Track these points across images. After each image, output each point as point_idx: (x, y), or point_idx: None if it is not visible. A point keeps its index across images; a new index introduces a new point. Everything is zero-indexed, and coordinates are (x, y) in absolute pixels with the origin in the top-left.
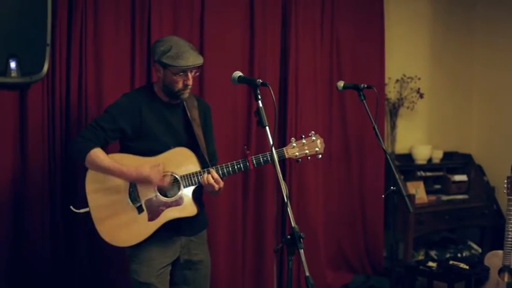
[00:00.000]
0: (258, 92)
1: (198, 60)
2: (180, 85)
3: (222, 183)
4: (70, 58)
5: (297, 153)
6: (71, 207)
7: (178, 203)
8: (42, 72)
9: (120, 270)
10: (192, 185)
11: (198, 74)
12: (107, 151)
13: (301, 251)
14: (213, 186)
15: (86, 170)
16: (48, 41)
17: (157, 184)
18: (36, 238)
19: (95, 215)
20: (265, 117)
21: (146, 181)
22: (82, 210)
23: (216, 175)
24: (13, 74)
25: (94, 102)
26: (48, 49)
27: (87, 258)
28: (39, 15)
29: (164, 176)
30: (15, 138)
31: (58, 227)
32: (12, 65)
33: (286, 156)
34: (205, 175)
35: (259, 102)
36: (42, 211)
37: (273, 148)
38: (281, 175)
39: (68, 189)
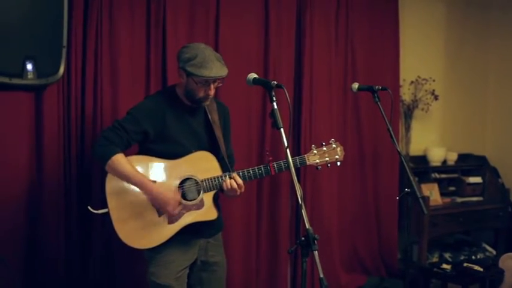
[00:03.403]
0: (273, 93)
1: (222, 72)
2: (202, 94)
3: (243, 188)
4: (85, 60)
5: (318, 161)
6: (89, 207)
7: (198, 206)
8: (58, 74)
9: (136, 272)
10: (213, 189)
11: (221, 84)
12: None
13: (316, 252)
14: (236, 191)
15: (103, 171)
16: (64, 43)
17: (167, 213)
18: (51, 239)
19: (114, 216)
20: (280, 119)
21: (160, 205)
22: (100, 211)
23: (240, 181)
24: (30, 76)
25: (109, 104)
26: (64, 51)
27: (103, 259)
28: (55, 18)
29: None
30: (31, 139)
31: (73, 229)
32: (29, 66)
33: (308, 163)
34: (228, 180)
35: (274, 104)
36: (58, 212)
37: (288, 150)
38: (296, 177)
39: (83, 191)
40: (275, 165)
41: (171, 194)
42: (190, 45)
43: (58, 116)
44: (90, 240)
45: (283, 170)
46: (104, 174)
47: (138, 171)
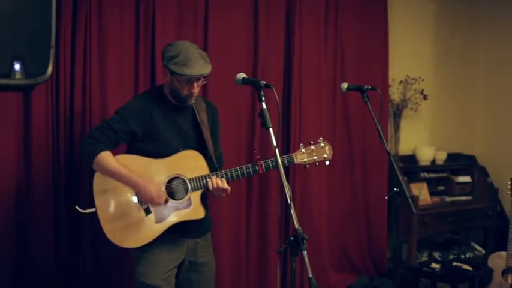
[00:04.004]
0: (262, 93)
1: (205, 70)
2: (186, 92)
3: (229, 190)
4: (74, 60)
5: (306, 159)
6: (77, 207)
7: (186, 205)
8: (46, 74)
9: (124, 271)
10: (200, 188)
11: (205, 82)
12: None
13: (305, 252)
14: (221, 192)
15: (91, 170)
16: (53, 43)
17: (154, 204)
18: (40, 239)
19: (101, 216)
20: (269, 118)
21: (147, 198)
22: (88, 211)
23: (226, 185)
24: (17, 76)
25: (98, 104)
26: (52, 51)
27: (91, 259)
28: (43, 18)
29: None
30: (19, 140)
31: (62, 228)
32: (17, 66)
33: (295, 162)
34: (214, 179)
35: (263, 103)
36: (46, 212)
37: (277, 149)
38: (284, 177)
39: (71, 190)
40: (263, 164)
41: (153, 186)
42: (175, 43)
43: (47, 116)
44: (79, 239)
45: (271, 168)
46: (92, 174)
47: (124, 168)
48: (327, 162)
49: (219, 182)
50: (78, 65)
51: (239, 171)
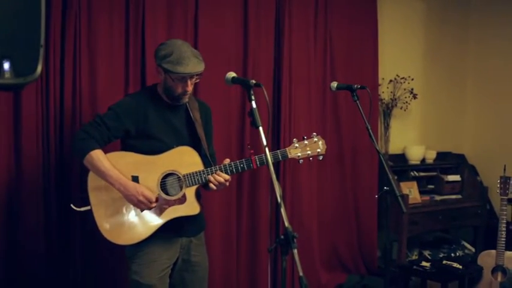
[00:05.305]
0: (252, 92)
1: (198, 68)
2: (179, 90)
3: (230, 178)
4: (64, 59)
5: (299, 154)
6: (72, 205)
7: (180, 201)
8: (35, 73)
9: (115, 270)
10: (195, 184)
11: (198, 80)
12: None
13: (295, 251)
14: (223, 185)
15: (82, 170)
16: (42, 42)
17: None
18: (31, 238)
19: (96, 213)
20: (258, 118)
21: (134, 205)
22: (83, 208)
23: (226, 176)
24: (6, 75)
25: (88, 104)
26: (41, 50)
27: (82, 257)
28: (32, 17)
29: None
30: (9, 139)
31: (53, 227)
32: (6, 66)
33: (289, 156)
34: (213, 177)
35: (253, 103)
36: (37, 211)
37: (266, 148)
38: (274, 175)
39: (62, 190)
40: (257, 158)
41: (136, 192)
42: (167, 42)
43: (37, 115)
44: (70, 238)
45: (265, 164)
46: (83, 173)
47: (115, 169)
48: (321, 157)
49: (218, 177)
50: (68, 65)
51: (233, 166)
